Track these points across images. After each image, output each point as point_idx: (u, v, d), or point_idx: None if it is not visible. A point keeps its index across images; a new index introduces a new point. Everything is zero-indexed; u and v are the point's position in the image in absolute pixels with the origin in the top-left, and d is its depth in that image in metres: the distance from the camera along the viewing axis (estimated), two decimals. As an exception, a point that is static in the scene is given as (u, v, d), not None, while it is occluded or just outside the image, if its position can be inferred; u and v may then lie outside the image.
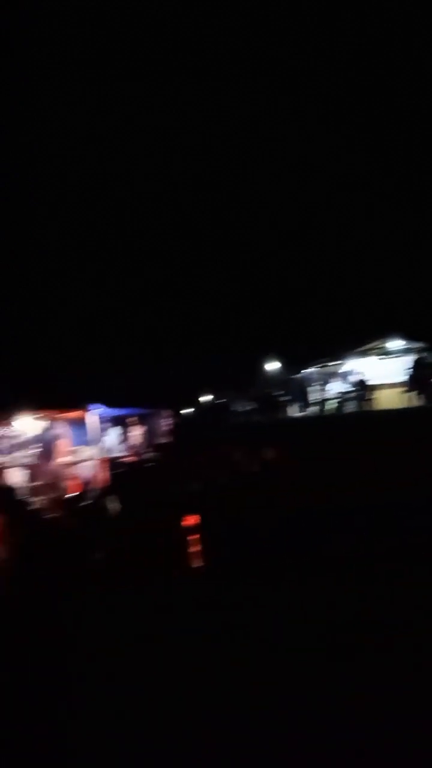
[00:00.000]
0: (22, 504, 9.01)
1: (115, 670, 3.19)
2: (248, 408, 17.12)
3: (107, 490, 9.56)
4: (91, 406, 12.08)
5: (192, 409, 21.04)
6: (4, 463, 12.32)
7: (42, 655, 3.09)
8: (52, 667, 3.07)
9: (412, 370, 13.79)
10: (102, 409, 12.23)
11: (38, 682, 2.99)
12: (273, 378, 18.07)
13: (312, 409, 15.70)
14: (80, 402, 12.25)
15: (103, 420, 12.26)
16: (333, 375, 15.66)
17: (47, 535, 8.24)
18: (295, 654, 3.63)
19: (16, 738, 2.70)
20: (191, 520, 6.93)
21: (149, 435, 13.38)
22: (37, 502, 9.73)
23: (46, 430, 12.66)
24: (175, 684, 3.18)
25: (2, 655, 3.03)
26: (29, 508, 9.07)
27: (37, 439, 12.76)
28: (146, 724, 2.85)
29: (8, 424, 12.80)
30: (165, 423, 14.33)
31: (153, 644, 3.55)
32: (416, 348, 15.08)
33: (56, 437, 12.47)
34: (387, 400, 14.29)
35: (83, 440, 12.18)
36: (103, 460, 11.50)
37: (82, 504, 9.13)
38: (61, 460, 12.06)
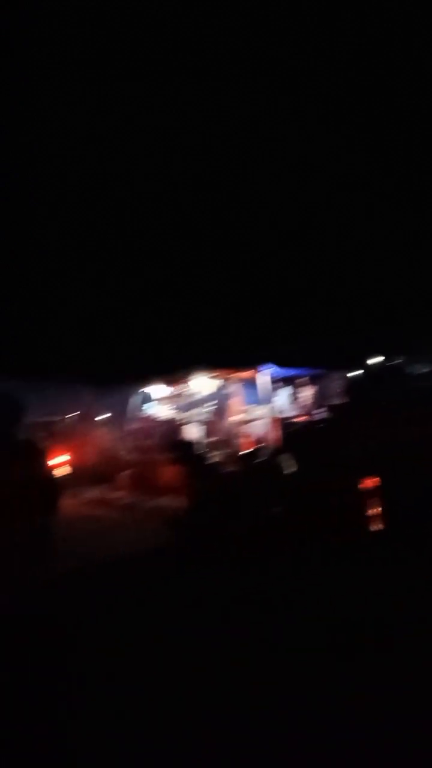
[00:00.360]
0: (201, 458, 9.48)
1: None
2: (427, 370, 16.06)
3: (280, 449, 9.65)
4: (262, 366, 12.23)
5: (362, 371, 20.34)
6: (182, 419, 13.08)
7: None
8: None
9: None
10: (273, 369, 12.31)
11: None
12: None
13: None
14: (252, 362, 12.45)
15: (274, 380, 12.35)
16: None
17: (223, 489, 8.60)
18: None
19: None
20: (369, 482, 6.73)
21: (320, 395, 13.22)
22: (213, 457, 10.17)
23: (220, 388, 13.13)
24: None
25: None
26: (207, 462, 9.51)
27: (211, 398, 13.32)
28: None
29: (185, 382, 13.50)
30: (336, 384, 14.04)
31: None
32: None
33: (229, 396, 12.88)
34: None
35: (255, 399, 12.42)
36: (275, 419, 11.63)
37: (256, 461, 9.33)
38: (234, 418, 12.45)
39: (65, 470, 11.36)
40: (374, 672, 3.20)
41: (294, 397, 13.01)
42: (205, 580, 4.61)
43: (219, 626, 3.74)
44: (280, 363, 12.57)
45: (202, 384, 13.31)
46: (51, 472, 3.82)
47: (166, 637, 3.43)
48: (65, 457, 11.98)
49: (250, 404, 12.56)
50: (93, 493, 11.63)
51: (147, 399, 14.51)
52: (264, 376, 12.14)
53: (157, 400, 14.44)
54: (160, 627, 3.50)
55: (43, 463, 3.78)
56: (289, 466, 8.75)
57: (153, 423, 13.55)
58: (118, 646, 3.19)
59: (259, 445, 10.39)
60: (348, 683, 3.11)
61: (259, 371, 12.14)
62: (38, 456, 3.76)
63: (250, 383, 12.40)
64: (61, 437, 12.78)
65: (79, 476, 11.84)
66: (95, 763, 2.56)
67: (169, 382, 13.94)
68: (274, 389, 12.34)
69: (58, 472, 8.19)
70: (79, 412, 14.83)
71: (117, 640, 3.22)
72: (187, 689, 3.04)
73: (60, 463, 11.29)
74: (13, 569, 3.18)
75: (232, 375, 12.82)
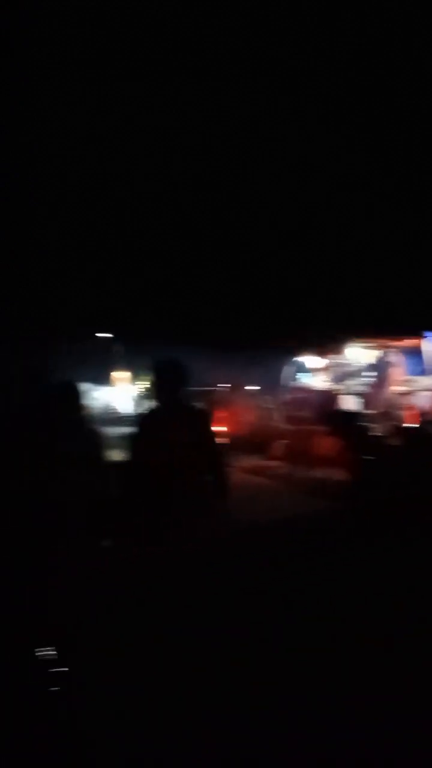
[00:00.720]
0: (361, 429, 9.09)
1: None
2: None
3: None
4: (428, 334, 11.37)
5: None
6: (338, 390, 12.66)
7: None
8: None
9: None
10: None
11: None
12: None
13: None
14: (416, 329, 11.63)
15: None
16: None
17: (386, 463, 8.17)
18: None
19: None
20: None
21: None
22: (374, 429, 9.71)
23: (379, 358, 12.48)
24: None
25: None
26: (367, 434, 9.10)
27: (369, 368, 12.71)
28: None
29: (341, 352, 13.03)
30: None
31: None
32: None
33: (389, 366, 12.19)
34: None
35: (419, 370, 11.61)
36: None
37: (423, 435, 8.75)
38: (395, 389, 11.78)
39: (223, 438, 11.60)
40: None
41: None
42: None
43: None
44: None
45: (358, 354, 12.75)
46: (216, 439, 3.82)
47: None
48: (223, 426, 12.24)
49: (414, 375, 11.77)
50: (249, 461, 11.75)
51: (301, 369, 14.29)
52: (430, 344, 11.28)
53: (312, 370, 14.16)
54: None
55: (209, 430, 3.77)
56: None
57: (308, 393, 13.31)
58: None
59: (426, 418, 9.71)
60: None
61: (425, 338, 11.30)
62: (204, 422, 3.76)
63: (415, 352, 11.59)
64: (218, 405, 13.06)
65: (236, 444, 12.03)
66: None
67: (324, 352, 13.56)
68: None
69: (217, 440, 8.32)
70: (235, 382, 15.06)
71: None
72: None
73: (218, 432, 11.54)
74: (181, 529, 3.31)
75: (392, 343, 12.09)
